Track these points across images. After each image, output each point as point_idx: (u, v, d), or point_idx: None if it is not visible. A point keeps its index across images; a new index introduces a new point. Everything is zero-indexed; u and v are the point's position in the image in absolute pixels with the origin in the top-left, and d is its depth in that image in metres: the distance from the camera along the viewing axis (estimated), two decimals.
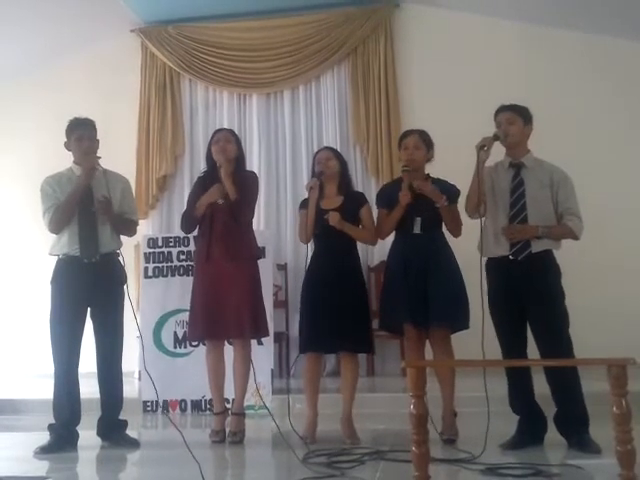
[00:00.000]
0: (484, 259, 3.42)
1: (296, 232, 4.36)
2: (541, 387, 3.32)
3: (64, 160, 3.78)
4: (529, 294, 3.29)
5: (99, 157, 3.62)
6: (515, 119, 3.42)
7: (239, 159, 3.82)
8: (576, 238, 3.41)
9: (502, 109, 3.47)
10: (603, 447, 3.00)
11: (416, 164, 3.62)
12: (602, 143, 6.15)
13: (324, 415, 3.68)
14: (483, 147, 3.35)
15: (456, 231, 3.66)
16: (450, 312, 3.47)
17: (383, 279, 3.78)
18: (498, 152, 3.48)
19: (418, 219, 3.54)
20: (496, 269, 3.37)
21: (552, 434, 3.30)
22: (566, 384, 3.21)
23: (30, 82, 6.93)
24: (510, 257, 3.33)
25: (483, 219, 3.39)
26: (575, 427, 3.21)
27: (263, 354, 4.48)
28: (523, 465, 2.86)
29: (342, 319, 3.50)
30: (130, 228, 3.85)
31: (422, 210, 3.54)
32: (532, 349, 3.36)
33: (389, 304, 3.60)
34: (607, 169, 6.08)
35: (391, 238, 3.76)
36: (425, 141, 3.68)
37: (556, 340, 3.22)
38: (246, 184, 3.74)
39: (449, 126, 5.66)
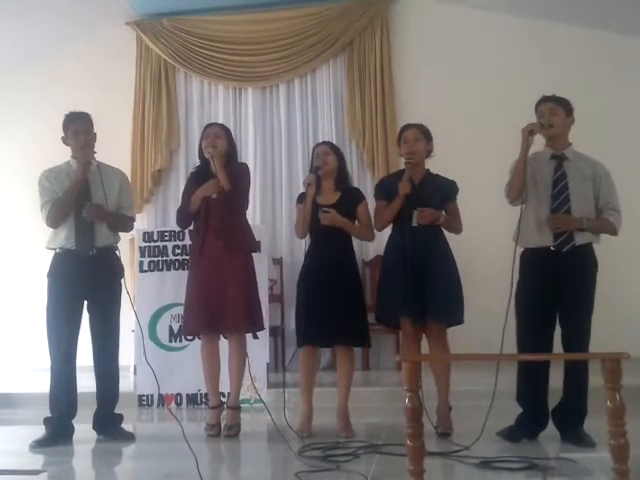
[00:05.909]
0: (519, 250, 3.34)
1: (292, 226, 4.35)
2: (551, 382, 3.31)
3: (60, 151, 3.76)
4: (567, 288, 3.22)
5: (95, 152, 3.61)
6: (558, 110, 3.34)
7: (230, 153, 3.81)
8: (615, 234, 3.34)
9: (544, 99, 3.39)
10: (598, 441, 3.01)
11: (418, 156, 3.61)
12: (600, 137, 6.12)
13: (319, 409, 3.68)
14: (532, 132, 3.27)
15: (457, 230, 3.65)
16: (447, 308, 3.48)
17: (380, 272, 3.77)
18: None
19: (416, 212, 3.52)
20: (534, 260, 3.29)
21: (547, 428, 3.31)
22: (578, 378, 3.19)
23: (26, 74, 6.89)
24: (552, 248, 3.25)
25: (522, 207, 3.30)
26: (572, 421, 3.21)
27: (258, 348, 4.47)
28: (518, 458, 2.86)
29: (338, 313, 3.50)
30: (126, 224, 3.84)
31: (420, 203, 3.52)
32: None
33: (386, 297, 3.59)
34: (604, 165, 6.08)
35: (387, 232, 3.76)
36: (424, 133, 3.67)
37: (585, 336, 3.21)
38: (239, 175, 3.75)
39: (445, 120, 5.65)
